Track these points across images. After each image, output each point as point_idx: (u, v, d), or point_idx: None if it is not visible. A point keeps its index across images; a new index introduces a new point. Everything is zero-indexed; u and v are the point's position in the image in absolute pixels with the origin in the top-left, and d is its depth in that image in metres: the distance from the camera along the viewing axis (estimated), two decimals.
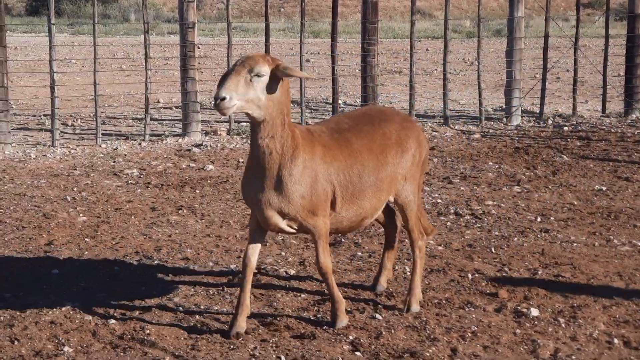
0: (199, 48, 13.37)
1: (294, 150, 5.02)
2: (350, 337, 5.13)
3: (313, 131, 5.27)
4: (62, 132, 12.16)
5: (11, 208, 8.26)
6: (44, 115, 13.70)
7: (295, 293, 5.93)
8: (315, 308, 5.63)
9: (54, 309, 5.55)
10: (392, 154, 5.44)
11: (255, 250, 5.21)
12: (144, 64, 12.38)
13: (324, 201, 5.13)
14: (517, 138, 12.30)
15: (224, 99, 4.74)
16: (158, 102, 15.22)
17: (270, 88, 4.90)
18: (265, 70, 4.86)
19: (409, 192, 5.53)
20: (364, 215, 5.36)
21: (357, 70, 18.08)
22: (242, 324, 5.20)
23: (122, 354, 4.92)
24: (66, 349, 4.96)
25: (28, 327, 5.27)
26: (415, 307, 5.57)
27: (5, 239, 7.24)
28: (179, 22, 12.26)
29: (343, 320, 5.31)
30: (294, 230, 5.19)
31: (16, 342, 5.05)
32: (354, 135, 5.35)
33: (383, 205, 5.50)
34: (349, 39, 25.29)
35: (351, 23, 31.79)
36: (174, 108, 14.70)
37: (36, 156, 10.91)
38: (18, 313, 5.49)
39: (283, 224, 5.11)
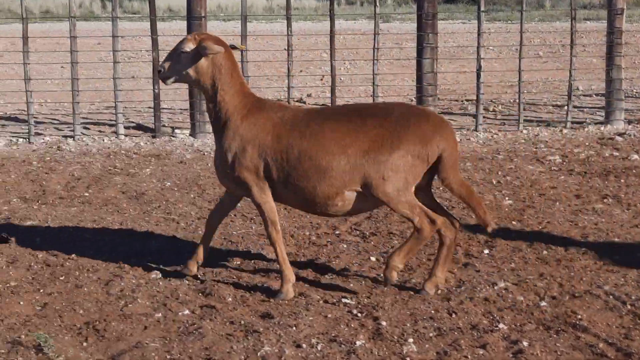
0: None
1: (227, 118, 5.66)
2: None
3: (265, 107, 5.68)
4: (483, 117, 12.48)
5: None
6: (466, 100, 14.14)
7: None
8: None
9: (487, 287, 5.81)
10: (369, 148, 5.41)
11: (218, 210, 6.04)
12: (561, 50, 12.33)
13: (249, 169, 5.55)
14: None
15: (159, 71, 5.79)
16: (577, 89, 15.05)
17: (196, 62, 5.64)
18: (189, 46, 5.66)
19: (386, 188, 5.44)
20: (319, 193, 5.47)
21: None
22: None
23: (554, 335, 5.02)
24: (501, 325, 5.17)
25: (463, 301, 5.56)
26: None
27: None
28: (607, 8, 12.05)
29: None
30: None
31: (453, 315, 5.35)
32: (331, 125, 5.49)
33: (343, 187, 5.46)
34: None
35: None
36: (593, 95, 14.45)
37: (460, 139, 11.31)
38: (454, 288, 5.82)
39: (231, 185, 5.74)
